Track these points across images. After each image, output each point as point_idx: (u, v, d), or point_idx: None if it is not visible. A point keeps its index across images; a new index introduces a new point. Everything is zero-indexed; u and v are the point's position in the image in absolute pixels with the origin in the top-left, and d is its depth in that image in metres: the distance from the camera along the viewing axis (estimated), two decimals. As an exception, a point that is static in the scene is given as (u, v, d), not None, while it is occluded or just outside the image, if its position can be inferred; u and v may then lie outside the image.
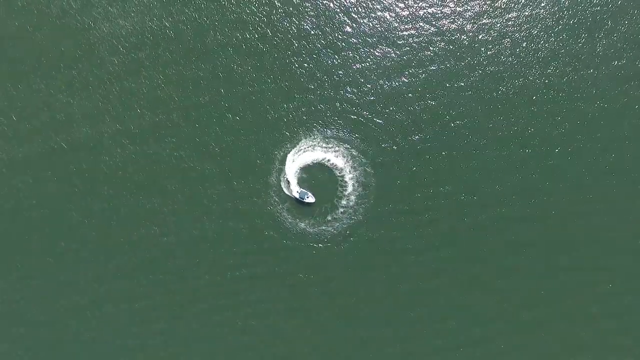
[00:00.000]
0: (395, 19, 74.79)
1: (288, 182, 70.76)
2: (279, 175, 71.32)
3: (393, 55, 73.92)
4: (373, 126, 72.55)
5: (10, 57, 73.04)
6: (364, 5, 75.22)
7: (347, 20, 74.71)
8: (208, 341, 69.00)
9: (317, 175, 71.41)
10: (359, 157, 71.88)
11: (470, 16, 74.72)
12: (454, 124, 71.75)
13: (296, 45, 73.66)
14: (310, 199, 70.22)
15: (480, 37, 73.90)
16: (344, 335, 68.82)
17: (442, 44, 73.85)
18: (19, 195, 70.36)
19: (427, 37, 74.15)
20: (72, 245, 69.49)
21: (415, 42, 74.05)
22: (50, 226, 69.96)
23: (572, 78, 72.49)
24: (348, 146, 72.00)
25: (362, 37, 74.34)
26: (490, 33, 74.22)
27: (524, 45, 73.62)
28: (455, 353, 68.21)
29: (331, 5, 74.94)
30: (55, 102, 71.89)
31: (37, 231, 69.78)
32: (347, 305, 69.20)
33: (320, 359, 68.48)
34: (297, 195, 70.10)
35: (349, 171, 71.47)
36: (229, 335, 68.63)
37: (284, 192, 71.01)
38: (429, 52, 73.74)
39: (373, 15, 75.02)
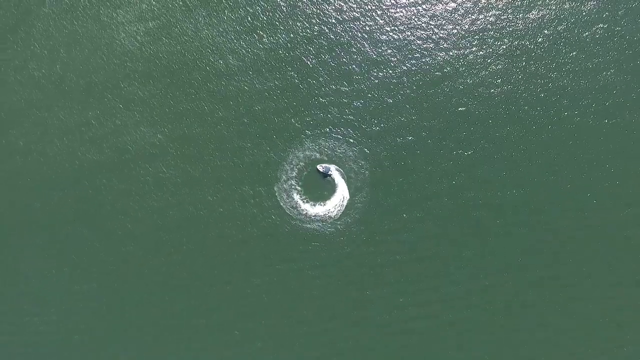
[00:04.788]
0: (396, 38, 78.58)
1: (287, 190, 74.19)
2: (284, 177, 74.79)
3: (394, 70, 77.33)
4: (372, 132, 75.52)
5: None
6: (372, 26, 78.90)
7: (354, 39, 78.65)
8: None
9: (320, 178, 74.57)
10: (359, 161, 74.85)
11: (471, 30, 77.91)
12: (446, 132, 74.98)
13: (306, 63, 77.69)
14: (332, 171, 73.93)
15: (479, 54, 76.83)
16: (344, 324, 72.64)
17: (442, 60, 77.23)
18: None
19: (431, 54, 77.57)
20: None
21: (418, 57, 77.68)
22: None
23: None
24: (348, 151, 75.09)
25: (367, 54, 77.67)
26: (492, 49, 77.14)
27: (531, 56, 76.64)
28: (456, 352, 71.06)
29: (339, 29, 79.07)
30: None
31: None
32: (346, 297, 72.71)
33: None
34: (320, 168, 73.76)
35: (350, 175, 74.48)
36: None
37: (287, 192, 74.34)
38: (430, 68, 77.10)
39: (378, 34, 78.65)
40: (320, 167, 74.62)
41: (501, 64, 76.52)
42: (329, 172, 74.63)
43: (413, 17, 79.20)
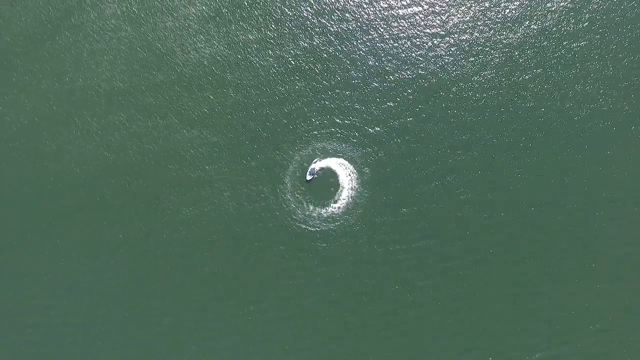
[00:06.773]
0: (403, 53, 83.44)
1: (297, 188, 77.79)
2: (288, 177, 78.54)
3: (393, 75, 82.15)
4: (373, 140, 79.58)
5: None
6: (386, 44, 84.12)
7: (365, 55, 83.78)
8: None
9: (323, 180, 78.19)
10: (359, 164, 78.56)
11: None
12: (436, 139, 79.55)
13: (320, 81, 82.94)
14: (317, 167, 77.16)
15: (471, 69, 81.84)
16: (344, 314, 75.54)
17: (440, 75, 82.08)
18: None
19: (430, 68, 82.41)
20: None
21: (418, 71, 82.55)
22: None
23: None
24: (351, 152, 78.92)
25: (369, 61, 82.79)
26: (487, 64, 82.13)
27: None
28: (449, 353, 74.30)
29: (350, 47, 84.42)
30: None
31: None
32: (345, 291, 75.77)
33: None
34: (309, 177, 76.86)
35: (351, 177, 78.00)
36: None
37: (293, 195, 77.83)
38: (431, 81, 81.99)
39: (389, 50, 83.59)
40: (308, 177, 77.31)
41: (490, 67, 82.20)
42: (315, 171, 77.13)
43: (410, 27, 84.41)
